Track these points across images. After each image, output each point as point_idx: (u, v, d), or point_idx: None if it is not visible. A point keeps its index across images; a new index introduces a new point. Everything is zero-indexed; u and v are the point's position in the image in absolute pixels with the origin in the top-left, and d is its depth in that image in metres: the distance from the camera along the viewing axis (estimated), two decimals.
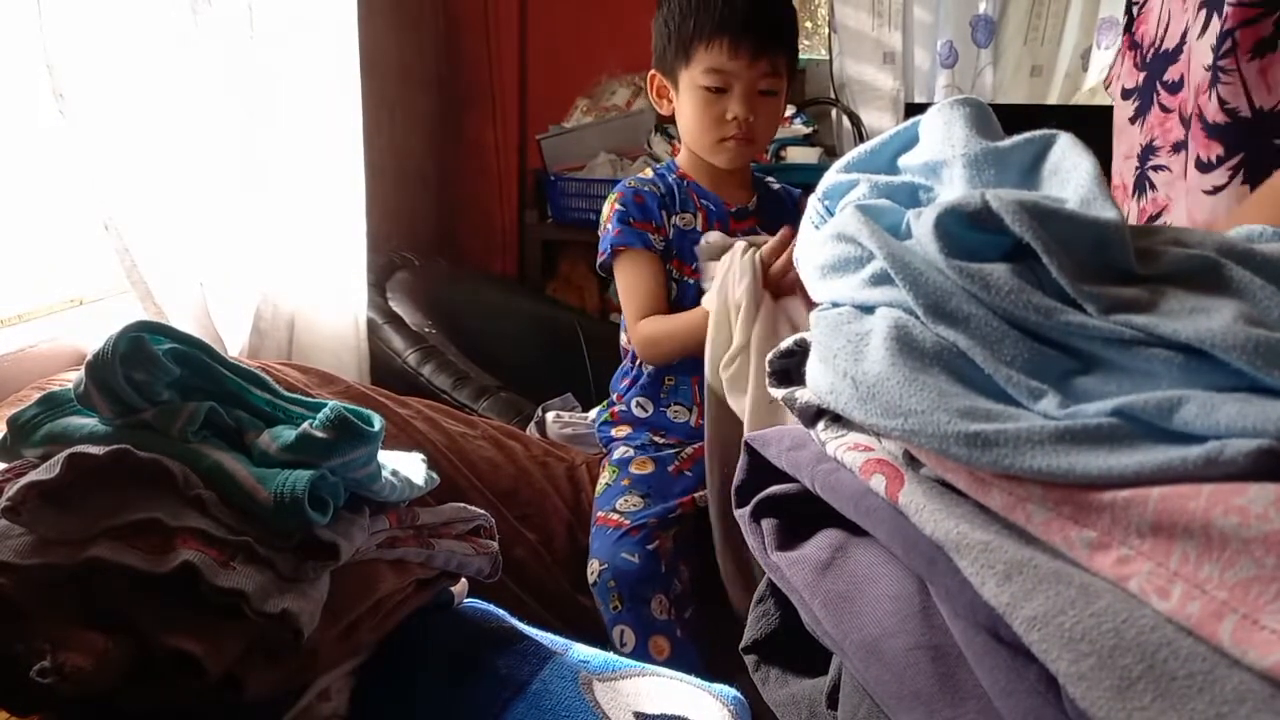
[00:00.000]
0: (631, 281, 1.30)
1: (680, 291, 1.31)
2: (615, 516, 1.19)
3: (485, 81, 2.49)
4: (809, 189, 0.58)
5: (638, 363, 1.34)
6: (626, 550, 1.15)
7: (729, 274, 1.15)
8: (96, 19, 1.16)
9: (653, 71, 1.33)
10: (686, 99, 1.28)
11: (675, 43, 1.26)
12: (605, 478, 1.28)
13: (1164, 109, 0.98)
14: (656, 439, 1.32)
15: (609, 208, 1.33)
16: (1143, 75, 1.01)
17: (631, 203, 1.30)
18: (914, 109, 2.57)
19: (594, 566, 1.16)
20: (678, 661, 1.10)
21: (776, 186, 1.41)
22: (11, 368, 1.15)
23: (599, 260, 1.33)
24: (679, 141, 1.40)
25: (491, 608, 0.80)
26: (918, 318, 0.43)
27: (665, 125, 2.28)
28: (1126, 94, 1.07)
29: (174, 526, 0.55)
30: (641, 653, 1.11)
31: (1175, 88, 0.95)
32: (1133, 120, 1.05)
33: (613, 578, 1.14)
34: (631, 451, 1.30)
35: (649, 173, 1.36)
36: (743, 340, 1.11)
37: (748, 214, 1.35)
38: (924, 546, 0.41)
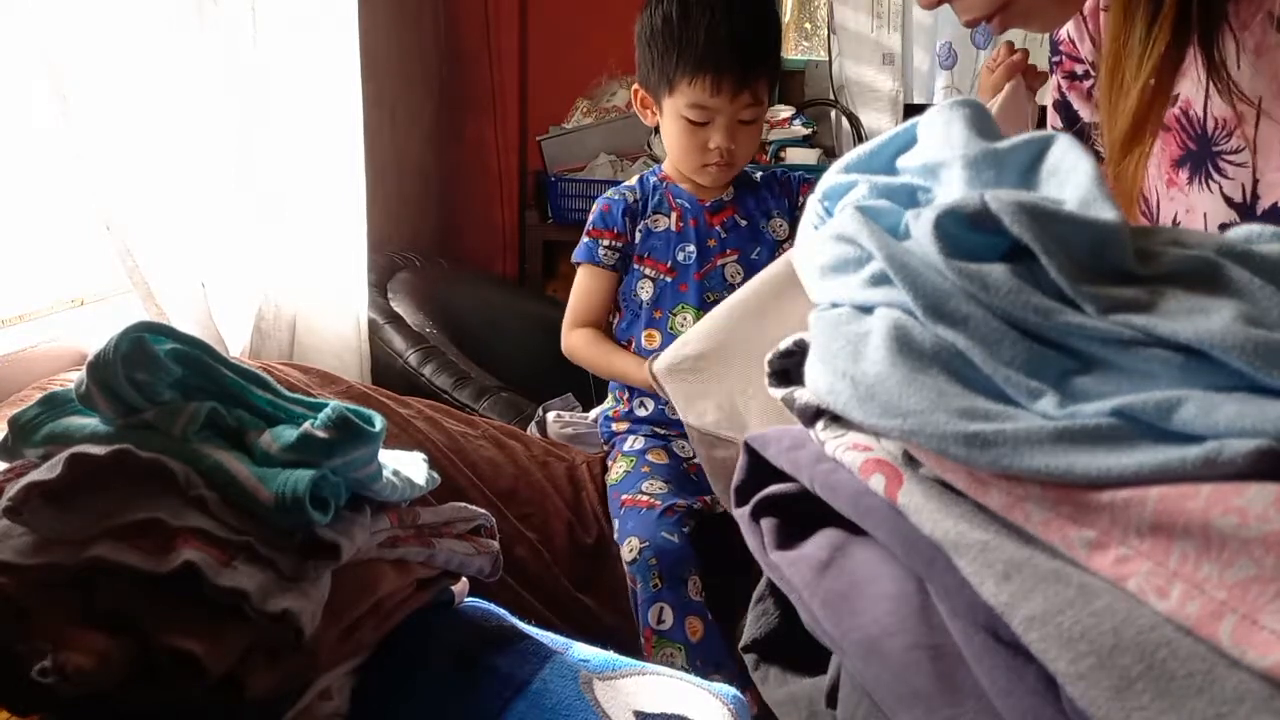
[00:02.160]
0: (578, 293, 1.40)
1: (657, 292, 1.35)
2: (644, 498, 1.20)
3: (485, 82, 2.50)
4: (809, 185, 0.58)
5: None
6: (666, 530, 1.15)
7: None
8: (99, 21, 1.16)
9: (636, 86, 1.36)
10: (669, 124, 1.31)
11: (658, 72, 1.29)
12: (623, 465, 1.29)
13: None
14: (659, 431, 1.33)
15: (591, 215, 1.40)
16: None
17: (599, 213, 1.39)
18: (913, 110, 2.57)
19: (633, 544, 1.15)
20: (709, 643, 1.10)
21: (758, 175, 1.43)
22: (12, 368, 1.15)
23: (574, 255, 1.40)
24: None
25: (492, 607, 0.80)
26: (917, 318, 0.43)
27: None
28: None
29: (175, 526, 0.55)
30: (678, 632, 1.10)
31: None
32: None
33: (654, 555, 1.13)
34: (643, 441, 1.31)
35: (634, 180, 1.41)
36: None
37: (723, 206, 1.38)
38: (923, 546, 0.42)
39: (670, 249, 1.35)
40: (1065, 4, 0.94)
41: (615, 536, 1.21)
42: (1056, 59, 1.10)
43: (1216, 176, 0.89)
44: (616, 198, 1.38)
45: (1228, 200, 0.89)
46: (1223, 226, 0.90)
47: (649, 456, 1.28)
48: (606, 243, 1.35)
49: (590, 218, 1.39)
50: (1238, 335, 0.36)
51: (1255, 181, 0.86)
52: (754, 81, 1.26)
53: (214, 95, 1.35)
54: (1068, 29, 1.06)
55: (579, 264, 1.38)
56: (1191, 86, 0.88)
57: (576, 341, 1.39)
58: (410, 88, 2.33)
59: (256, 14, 1.41)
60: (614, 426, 1.37)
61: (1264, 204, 0.86)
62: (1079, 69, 1.06)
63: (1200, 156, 0.89)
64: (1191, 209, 0.92)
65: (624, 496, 1.23)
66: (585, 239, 1.37)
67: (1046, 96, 1.16)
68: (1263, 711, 0.29)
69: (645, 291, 1.35)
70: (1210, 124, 0.88)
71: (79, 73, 1.12)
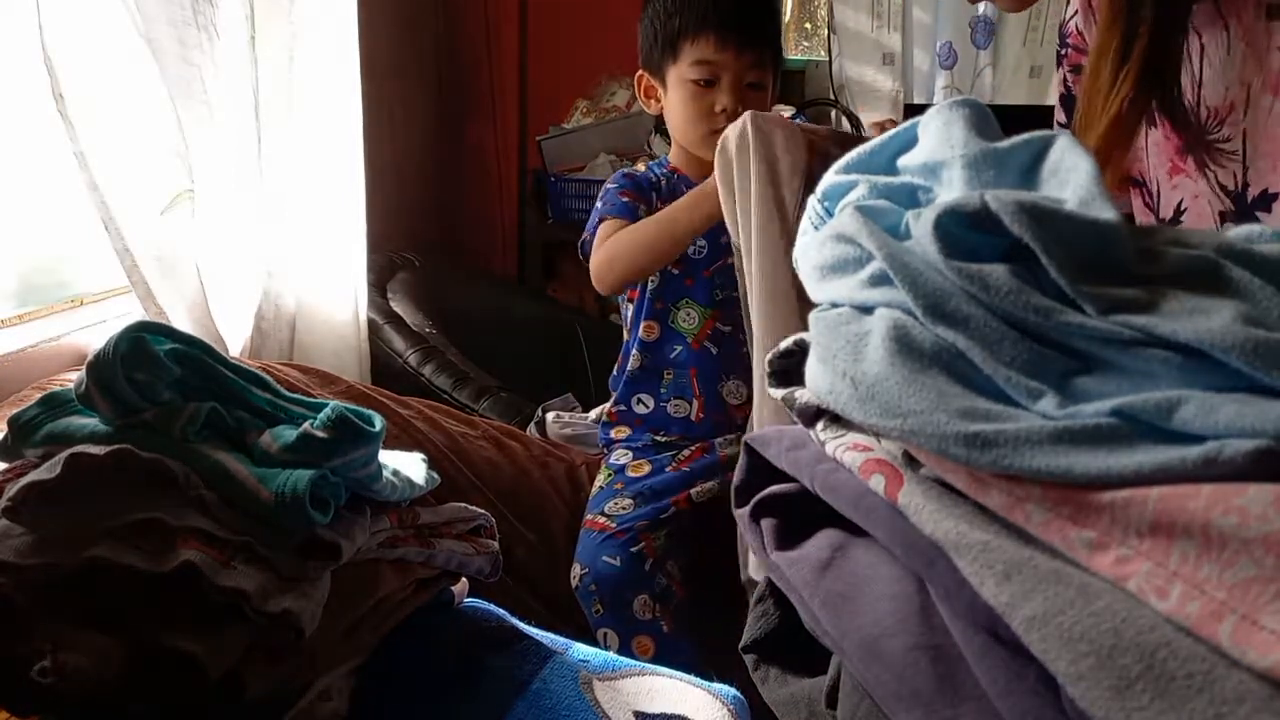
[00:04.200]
0: (606, 234, 1.26)
1: (662, 282, 1.32)
2: (602, 520, 1.20)
3: (485, 82, 2.50)
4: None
5: (630, 355, 1.35)
6: (608, 554, 1.15)
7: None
8: (96, 20, 1.16)
9: (640, 72, 1.35)
10: (675, 95, 1.28)
11: (662, 40, 1.28)
12: (600, 480, 1.29)
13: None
14: (657, 438, 1.32)
15: (601, 194, 1.34)
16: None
17: (626, 181, 1.32)
18: (913, 110, 2.57)
19: (576, 570, 1.17)
20: (666, 658, 1.10)
21: None
22: (12, 368, 1.15)
23: (580, 240, 1.34)
24: None
25: (492, 607, 0.80)
26: (917, 318, 0.43)
27: (665, 126, 2.29)
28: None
29: (175, 526, 0.55)
30: (626, 654, 1.11)
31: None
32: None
33: (594, 581, 1.14)
34: (629, 455, 1.30)
35: (641, 167, 1.39)
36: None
37: None
38: (923, 546, 0.42)
39: None
40: None
41: None
42: (1064, 51, 1.10)
43: (1212, 165, 0.90)
44: (638, 173, 1.34)
45: (1222, 187, 0.90)
46: (1222, 214, 0.91)
47: (628, 471, 1.27)
48: (642, 209, 1.29)
49: (614, 184, 1.32)
50: (1238, 335, 0.36)
51: (1245, 169, 0.87)
52: (759, 42, 1.25)
53: (213, 94, 1.35)
54: (1075, 20, 1.06)
55: (609, 219, 1.28)
56: (1185, 77, 0.89)
57: (608, 244, 1.24)
58: (410, 88, 2.33)
59: (254, 14, 1.41)
60: (612, 434, 1.36)
61: (1254, 191, 0.87)
62: (1085, 61, 1.07)
63: (1197, 145, 0.90)
64: (1199, 195, 0.93)
65: (586, 517, 1.23)
66: (619, 199, 1.29)
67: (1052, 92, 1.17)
68: (1263, 712, 0.29)
69: (652, 280, 1.32)
70: (1203, 113, 0.89)
71: (76, 71, 1.12)
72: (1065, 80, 1.11)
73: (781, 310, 0.97)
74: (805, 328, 0.98)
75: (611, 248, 1.25)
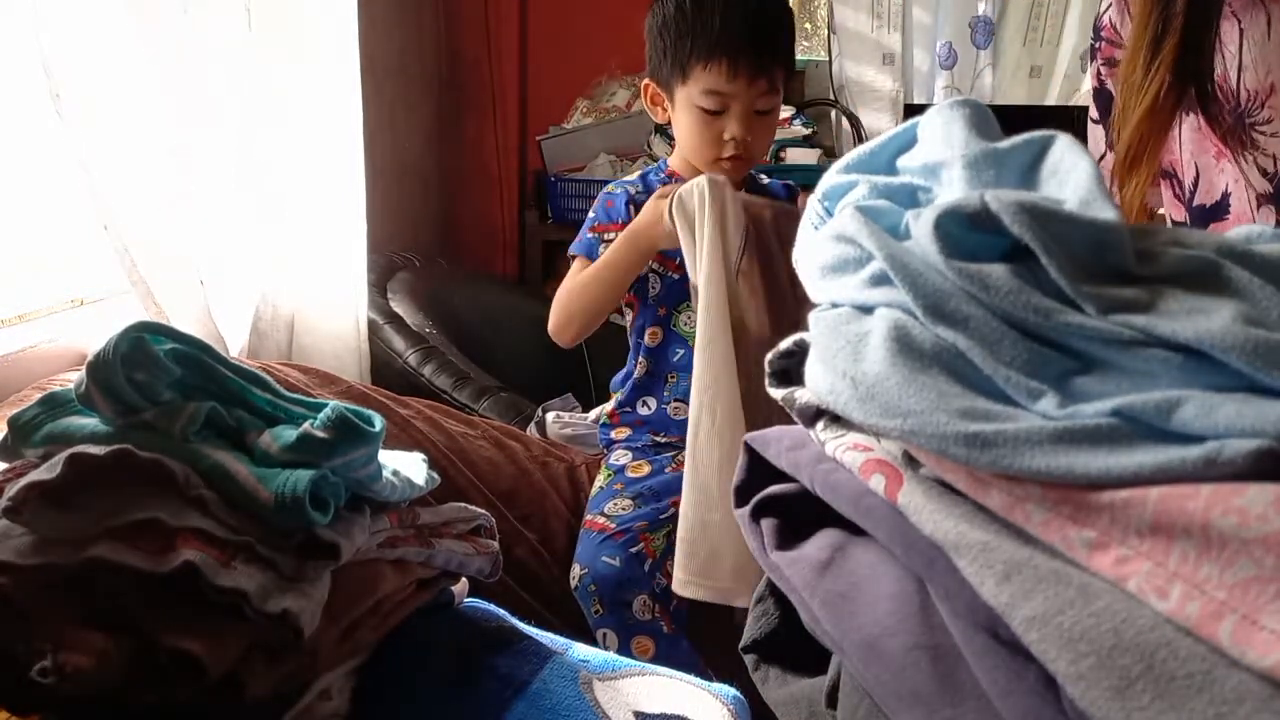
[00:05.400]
0: (576, 271, 1.33)
1: (664, 288, 1.32)
2: (601, 520, 1.20)
3: (485, 82, 2.50)
4: (808, 190, 0.58)
5: (636, 361, 1.35)
6: (608, 554, 1.15)
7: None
8: (93, 19, 1.16)
9: (647, 80, 1.33)
10: (683, 116, 1.28)
11: (671, 58, 1.26)
12: (599, 481, 1.29)
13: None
14: (657, 439, 1.32)
15: (587, 218, 1.36)
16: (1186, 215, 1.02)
17: (601, 207, 1.34)
18: (913, 110, 2.57)
19: (575, 570, 1.17)
20: (666, 658, 1.10)
21: (766, 182, 1.41)
22: (12, 368, 1.15)
23: (569, 254, 1.36)
24: None
25: (492, 607, 0.80)
26: (917, 318, 0.43)
27: (665, 127, 2.28)
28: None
29: (175, 526, 0.55)
30: (626, 654, 1.11)
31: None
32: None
33: (593, 582, 1.14)
34: (629, 455, 1.30)
35: (635, 174, 1.38)
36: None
37: None
38: (923, 546, 0.42)
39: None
40: None
41: None
42: (1097, 45, 1.10)
43: (1251, 148, 0.90)
44: (619, 191, 1.34)
45: (1262, 170, 0.90)
46: (1260, 198, 0.91)
47: (628, 472, 1.27)
48: (610, 236, 1.30)
49: (592, 213, 1.34)
50: (1238, 335, 0.36)
51: None
52: (770, 69, 1.23)
53: (213, 94, 1.35)
54: (1109, 14, 1.06)
55: (575, 257, 1.33)
56: (1224, 61, 0.89)
57: (563, 288, 1.31)
58: (410, 87, 2.33)
59: (251, 14, 1.41)
60: (612, 434, 1.36)
61: None
62: (1118, 54, 1.06)
63: (1237, 128, 0.91)
64: (1237, 179, 0.94)
65: (586, 517, 1.23)
66: (587, 234, 1.32)
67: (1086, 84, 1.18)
68: (1263, 711, 0.29)
69: (654, 287, 1.33)
70: (1243, 95, 0.89)
71: (73, 71, 1.12)
72: (1099, 74, 1.11)
73: (719, 344, 1.11)
74: (734, 362, 1.06)
75: (567, 307, 1.30)
